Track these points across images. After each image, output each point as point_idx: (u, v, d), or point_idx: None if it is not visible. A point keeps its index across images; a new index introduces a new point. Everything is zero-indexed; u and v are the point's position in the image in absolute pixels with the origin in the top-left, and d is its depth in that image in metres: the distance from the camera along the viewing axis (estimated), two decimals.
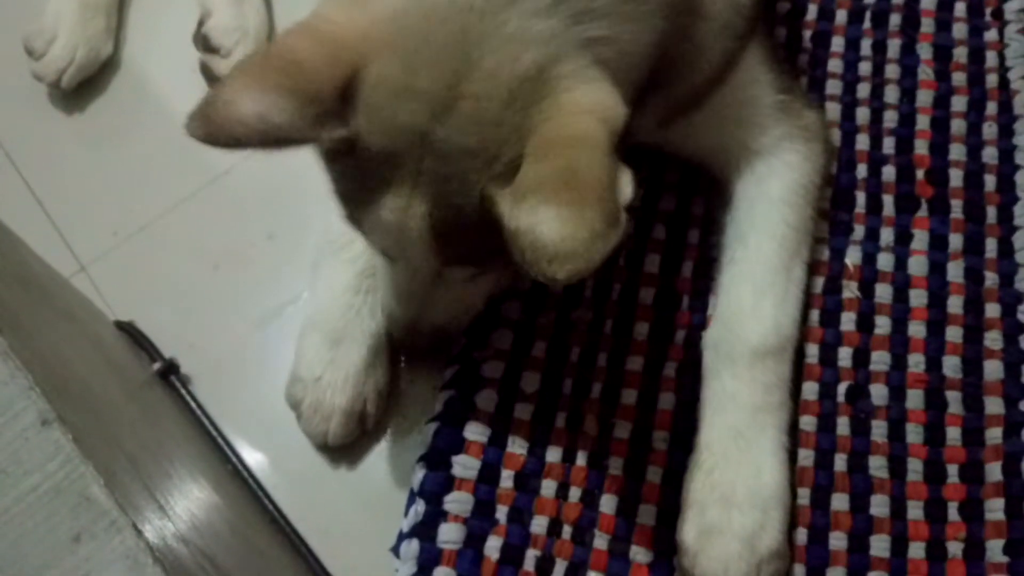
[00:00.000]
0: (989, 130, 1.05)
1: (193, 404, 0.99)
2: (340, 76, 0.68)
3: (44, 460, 0.50)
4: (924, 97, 1.07)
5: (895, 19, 1.11)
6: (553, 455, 0.92)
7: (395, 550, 0.90)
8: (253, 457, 0.98)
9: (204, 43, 1.15)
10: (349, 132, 0.69)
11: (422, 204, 0.72)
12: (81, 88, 1.18)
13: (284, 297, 1.06)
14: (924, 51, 1.09)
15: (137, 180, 1.14)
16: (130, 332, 1.01)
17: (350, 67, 0.69)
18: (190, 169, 1.13)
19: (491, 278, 0.88)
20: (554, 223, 0.62)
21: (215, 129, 0.66)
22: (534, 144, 0.67)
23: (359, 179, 0.73)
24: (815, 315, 0.96)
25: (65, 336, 0.76)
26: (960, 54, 1.09)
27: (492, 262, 0.77)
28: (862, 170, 1.03)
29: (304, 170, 1.09)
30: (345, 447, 0.97)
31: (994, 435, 0.90)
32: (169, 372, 1.00)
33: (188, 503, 0.72)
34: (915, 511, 0.89)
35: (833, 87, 1.08)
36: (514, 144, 0.68)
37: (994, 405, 0.92)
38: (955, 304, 0.97)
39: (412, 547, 0.89)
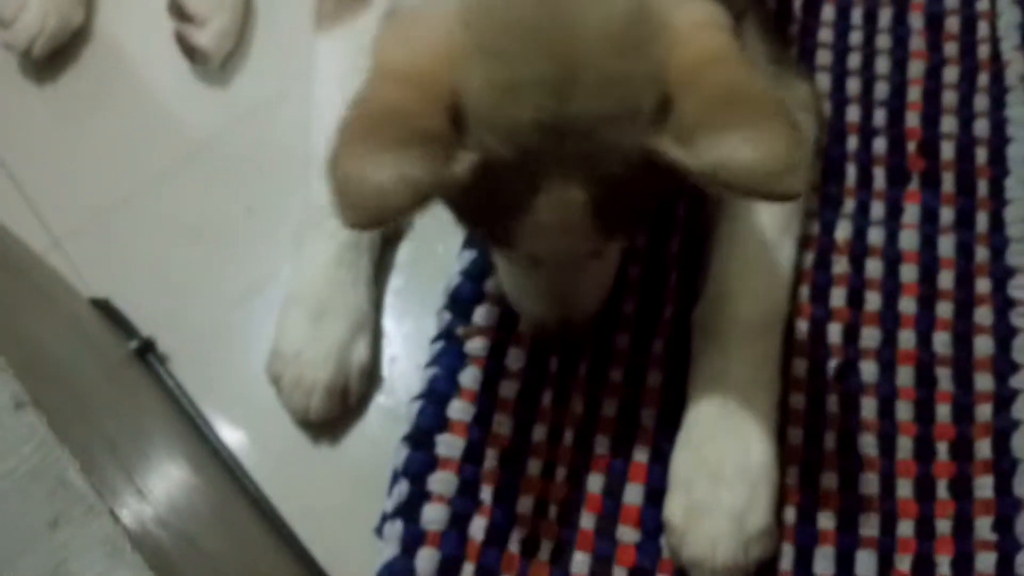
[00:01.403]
0: (981, 102, 1.03)
1: (171, 383, 0.97)
2: (443, 105, 0.64)
3: (18, 443, 0.48)
4: (916, 68, 1.06)
5: None
6: (539, 434, 0.91)
7: (378, 531, 0.89)
8: (233, 436, 0.96)
9: (178, 11, 1.13)
10: (478, 154, 0.64)
11: (577, 190, 0.67)
12: (53, 58, 1.15)
13: (264, 272, 1.04)
14: (916, 21, 1.08)
15: (112, 152, 1.11)
16: (106, 310, 0.99)
17: (447, 92, 0.64)
18: (167, 141, 1.11)
19: (621, 246, 0.85)
20: (746, 147, 0.59)
21: (371, 213, 0.61)
22: (674, 78, 0.64)
23: (501, 197, 0.68)
24: (804, 291, 0.95)
25: (39, 315, 0.74)
26: (952, 24, 1.07)
27: (647, 220, 0.75)
28: (852, 142, 1.02)
29: (284, 142, 1.09)
30: (327, 425, 0.95)
31: (984, 412, 0.90)
32: (146, 350, 0.98)
33: (167, 485, 0.70)
34: (904, 489, 0.88)
35: (823, 57, 1.07)
36: (651, 88, 0.64)
37: (984, 381, 0.91)
38: (946, 279, 0.96)
39: (395, 528, 0.87)
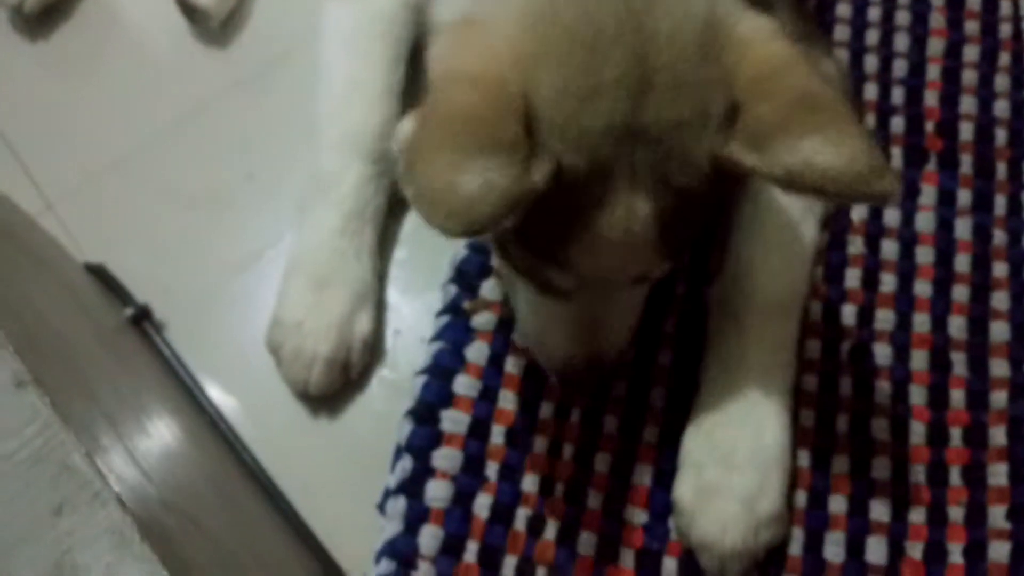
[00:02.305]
0: (1001, 82, 1.01)
1: (168, 352, 0.95)
2: (518, 110, 0.62)
3: (20, 425, 0.46)
4: (935, 46, 1.03)
5: None
6: (546, 411, 0.89)
7: (380, 507, 0.87)
8: (231, 408, 0.94)
9: None
10: (553, 162, 0.63)
11: (645, 202, 0.66)
12: (46, 14, 1.12)
13: (264, 240, 1.01)
14: None
15: (107, 112, 1.08)
16: (101, 275, 0.96)
17: (518, 98, 0.63)
18: (164, 101, 1.08)
19: (666, 270, 0.80)
20: (828, 149, 0.60)
21: (463, 221, 0.59)
22: (744, 86, 0.64)
23: (566, 212, 0.66)
24: (818, 271, 0.93)
25: (36, 283, 0.71)
26: (973, 1, 1.05)
27: (700, 237, 0.73)
28: (870, 120, 1.00)
29: (286, 106, 1.06)
30: (327, 398, 0.93)
31: (999, 398, 0.88)
32: (142, 318, 0.95)
33: (170, 463, 0.68)
34: (917, 474, 0.87)
35: (841, 33, 1.04)
36: (720, 95, 0.65)
37: (999, 367, 0.90)
38: (962, 262, 0.94)
39: (398, 504, 0.86)
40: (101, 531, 0.44)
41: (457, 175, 0.58)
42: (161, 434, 0.73)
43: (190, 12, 1.09)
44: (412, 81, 0.98)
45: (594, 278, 0.73)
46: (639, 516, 0.86)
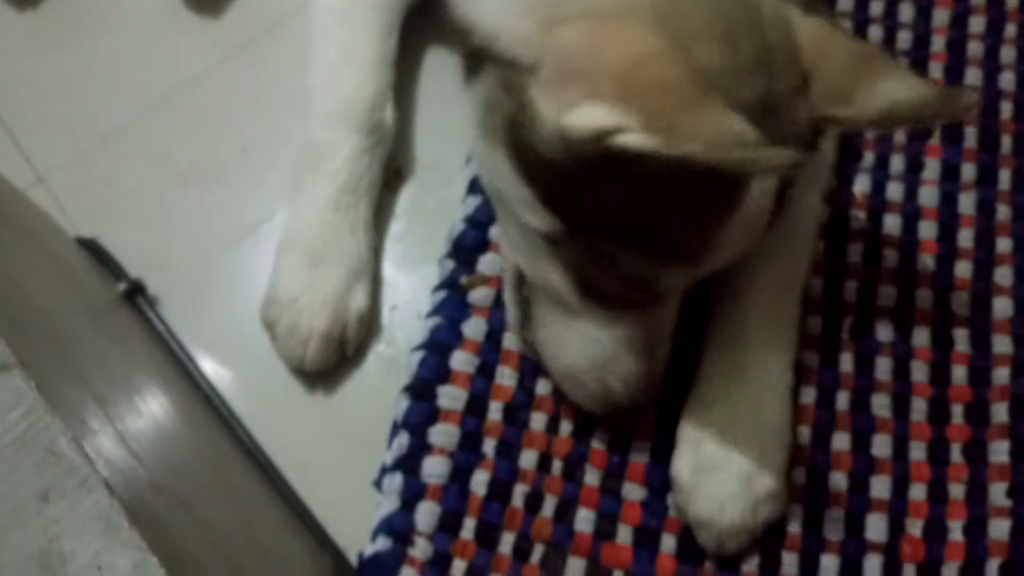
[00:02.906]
0: (1007, 54, 1.00)
1: (161, 327, 0.93)
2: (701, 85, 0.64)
3: (4, 410, 0.45)
4: (940, 17, 1.02)
5: None
6: (543, 387, 0.89)
7: (377, 484, 0.86)
8: (226, 384, 0.93)
9: None
10: None
11: (773, 176, 0.69)
12: None
13: (259, 214, 1.00)
14: None
15: (99, 84, 1.06)
16: (93, 249, 0.95)
17: (695, 73, 0.65)
18: (157, 73, 1.06)
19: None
20: (901, 85, 0.68)
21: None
22: (809, 58, 0.70)
23: (708, 195, 0.67)
24: (820, 246, 0.92)
25: (24, 260, 0.69)
26: None
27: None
28: None
29: (280, 79, 1.05)
30: (323, 374, 0.92)
31: (1001, 375, 0.88)
32: (135, 293, 0.94)
33: (162, 444, 0.67)
34: (917, 452, 0.86)
35: (845, 3, 1.03)
36: (798, 67, 0.70)
37: (1002, 344, 0.89)
38: (966, 237, 0.93)
39: (395, 481, 0.85)
40: (89, 518, 0.43)
41: (729, 119, 0.61)
42: (153, 413, 0.72)
43: None
44: (404, 51, 0.97)
45: (703, 270, 0.74)
46: (637, 493, 0.85)
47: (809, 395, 0.87)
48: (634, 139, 0.61)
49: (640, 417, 0.86)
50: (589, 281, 0.75)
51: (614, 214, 0.68)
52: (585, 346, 0.80)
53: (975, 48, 1.00)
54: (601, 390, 0.80)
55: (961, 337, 0.90)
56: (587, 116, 0.63)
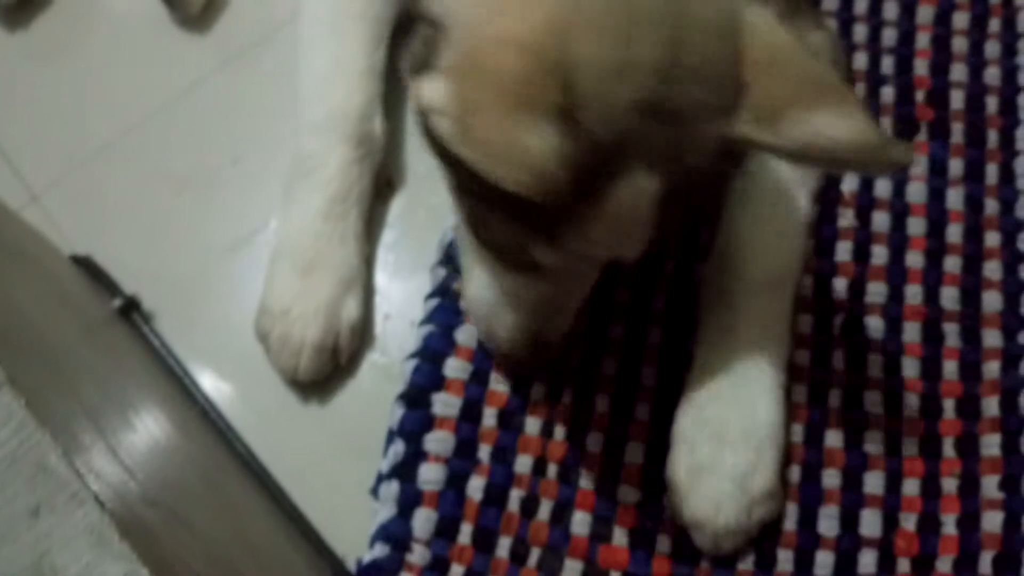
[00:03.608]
0: (992, 49, 1.00)
1: (157, 343, 0.94)
2: (559, 80, 0.62)
3: None
4: (924, 13, 1.02)
5: None
6: (537, 392, 0.89)
7: (373, 492, 0.87)
8: (220, 396, 0.94)
9: None
10: (581, 132, 0.63)
11: (655, 181, 0.65)
12: (25, 2, 1.10)
13: (251, 225, 1.01)
14: None
15: (91, 100, 1.07)
16: (87, 267, 0.96)
17: (559, 66, 0.62)
18: (147, 88, 1.07)
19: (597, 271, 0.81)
20: (837, 122, 0.63)
21: (544, 178, 0.60)
22: (751, 67, 0.65)
23: (578, 183, 0.65)
24: (809, 244, 0.92)
25: (15, 279, 0.70)
26: None
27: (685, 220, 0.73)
28: (859, 90, 0.98)
29: (269, 90, 1.05)
30: (318, 384, 0.93)
31: (991, 369, 0.88)
32: (130, 309, 0.95)
33: (156, 458, 0.67)
34: (910, 447, 0.86)
35: (829, 1, 1.03)
36: (730, 78, 0.65)
37: (992, 338, 0.89)
38: (954, 233, 0.93)
39: (391, 489, 0.86)
40: (79, 531, 0.43)
41: (526, 134, 0.59)
42: (148, 428, 0.72)
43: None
44: (393, 61, 0.98)
45: (577, 256, 0.72)
46: (632, 495, 0.86)
47: (801, 393, 0.88)
48: (440, 126, 0.61)
49: (536, 369, 0.87)
50: (479, 233, 0.75)
51: (479, 178, 0.67)
52: (480, 289, 0.82)
53: (960, 44, 1.01)
54: (492, 333, 0.83)
55: (951, 332, 0.90)
56: (425, 88, 0.62)
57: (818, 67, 0.67)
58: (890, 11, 1.02)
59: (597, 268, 0.78)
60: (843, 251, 0.93)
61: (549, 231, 0.69)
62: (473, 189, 0.68)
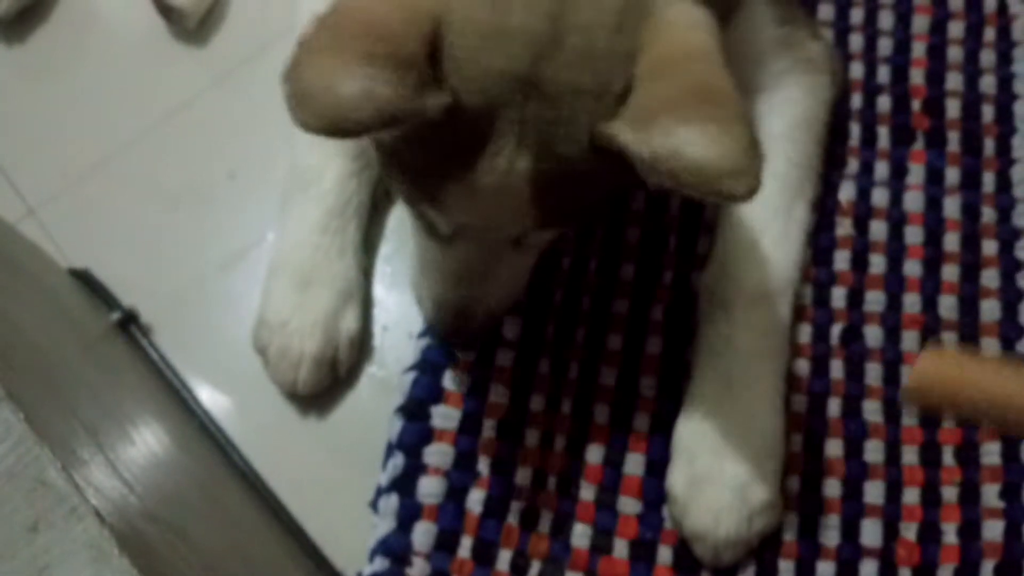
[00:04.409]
0: (987, 58, 1.00)
1: (155, 356, 0.94)
2: (425, 32, 0.61)
3: None
4: (920, 23, 1.02)
5: None
6: (536, 403, 0.89)
7: (373, 505, 0.87)
8: (219, 409, 0.93)
9: None
10: (449, 94, 0.62)
11: (525, 159, 0.65)
12: (22, 17, 1.09)
13: (248, 239, 1.00)
14: None
15: (87, 115, 1.06)
16: (85, 280, 0.95)
17: (431, 19, 0.61)
18: (144, 103, 1.07)
19: (541, 249, 0.80)
20: (702, 141, 0.57)
21: (332, 121, 0.58)
22: (646, 65, 0.62)
23: (448, 148, 0.65)
24: (807, 254, 0.93)
25: (12, 294, 0.70)
26: None
27: (584, 218, 0.72)
28: (856, 100, 0.99)
29: (266, 103, 1.04)
30: (317, 397, 0.93)
31: None
32: (129, 322, 0.94)
33: (154, 471, 0.67)
34: (910, 456, 0.86)
35: (825, 12, 1.03)
36: (622, 72, 0.63)
37: (990, 346, 0.89)
38: (951, 241, 0.93)
39: (391, 502, 0.85)
40: (79, 546, 0.43)
41: (339, 78, 0.57)
42: (146, 441, 0.72)
43: (166, 11, 1.07)
44: None
45: (468, 227, 0.72)
46: (632, 506, 0.86)
47: (800, 403, 0.88)
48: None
49: (464, 342, 0.87)
50: (390, 189, 0.75)
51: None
52: (413, 250, 0.84)
53: (955, 53, 1.01)
54: (422, 298, 0.84)
55: (949, 341, 0.90)
56: (307, 27, 0.62)
57: (720, 80, 0.61)
58: (886, 21, 1.02)
59: (509, 246, 0.76)
60: (841, 260, 0.93)
61: (432, 195, 0.69)
62: (378, 146, 0.69)
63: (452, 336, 0.84)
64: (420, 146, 0.65)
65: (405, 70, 0.59)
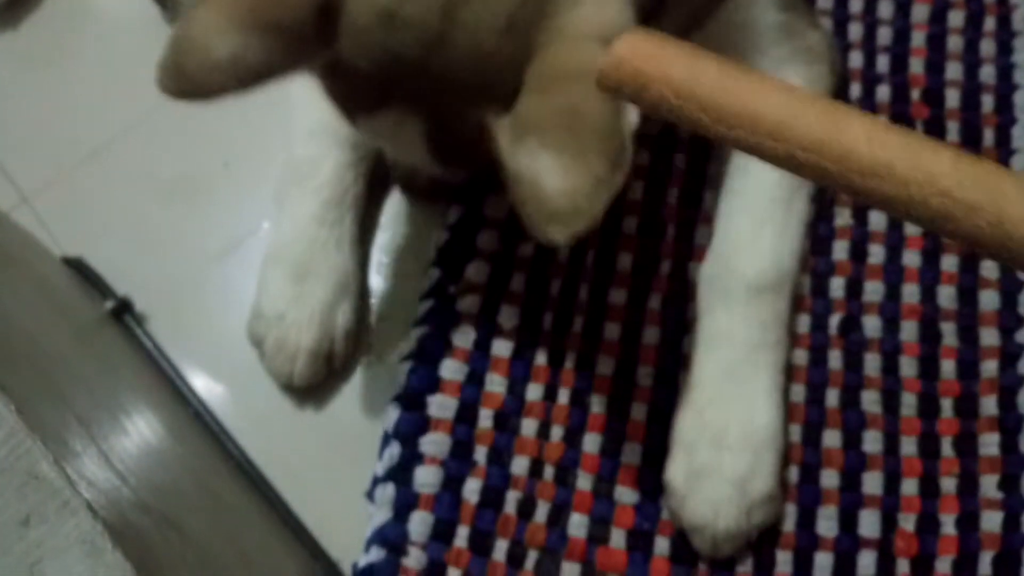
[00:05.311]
0: (987, 47, 0.99)
1: (149, 344, 0.93)
2: (319, 3, 0.63)
3: None
4: (920, 12, 1.01)
5: None
6: (534, 393, 0.88)
7: (369, 495, 0.86)
8: (215, 400, 0.93)
9: None
10: (333, 55, 0.64)
11: (418, 122, 0.67)
12: (14, 4, 1.09)
13: (244, 229, 1.00)
14: None
15: (81, 103, 1.06)
16: (79, 268, 0.95)
17: None
18: (138, 90, 1.03)
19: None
20: (556, 172, 0.56)
21: (189, 83, 0.61)
22: (533, 74, 0.60)
23: (349, 94, 0.69)
24: (806, 244, 0.92)
25: (5, 283, 0.69)
26: None
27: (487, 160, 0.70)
28: (856, 90, 0.98)
29: (263, 92, 1.04)
30: (312, 388, 0.92)
31: (989, 367, 0.87)
32: (123, 311, 0.94)
33: (149, 462, 0.67)
34: (908, 447, 0.86)
35: (824, 0, 1.02)
36: (512, 73, 0.62)
37: (989, 336, 0.89)
38: None
39: (387, 492, 0.85)
40: (71, 541, 0.43)
41: (214, 39, 0.60)
42: (141, 432, 0.72)
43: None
44: None
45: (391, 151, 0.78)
46: (629, 496, 0.85)
47: (799, 393, 0.87)
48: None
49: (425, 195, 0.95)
50: None
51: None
52: None
53: (955, 42, 1.00)
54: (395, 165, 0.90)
55: (949, 331, 0.89)
56: None
57: (598, 108, 0.57)
58: (885, 10, 1.02)
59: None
60: (840, 250, 0.92)
61: (349, 119, 0.72)
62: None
63: (405, 190, 0.93)
64: (333, 89, 0.70)
65: (284, 37, 0.61)
